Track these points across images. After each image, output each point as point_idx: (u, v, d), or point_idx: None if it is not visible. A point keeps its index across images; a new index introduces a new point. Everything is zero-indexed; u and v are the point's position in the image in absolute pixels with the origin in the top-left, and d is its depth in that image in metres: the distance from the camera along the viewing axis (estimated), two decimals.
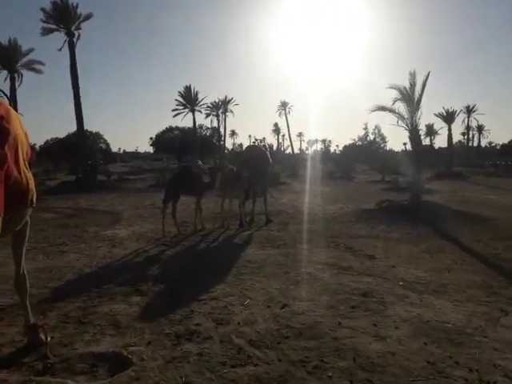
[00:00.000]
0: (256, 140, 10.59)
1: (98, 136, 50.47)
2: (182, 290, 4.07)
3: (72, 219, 9.25)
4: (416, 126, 9.41)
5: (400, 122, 9.64)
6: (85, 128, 45.28)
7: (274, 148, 47.01)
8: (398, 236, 7.24)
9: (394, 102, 9.48)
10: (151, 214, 9.64)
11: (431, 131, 48.79)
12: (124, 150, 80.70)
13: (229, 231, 7.56)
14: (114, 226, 8.39)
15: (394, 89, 9.43)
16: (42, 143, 46.33)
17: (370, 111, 10.01)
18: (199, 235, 7.18)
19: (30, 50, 21.96)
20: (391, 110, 9.70)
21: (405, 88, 9.48)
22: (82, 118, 19.47)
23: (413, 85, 9.32)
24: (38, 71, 21.80)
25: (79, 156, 19.78)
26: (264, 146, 9.03)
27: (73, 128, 21.61)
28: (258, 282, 4.33)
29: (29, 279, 2.71)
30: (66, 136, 37.16)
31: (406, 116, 9.57)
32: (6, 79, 21.44)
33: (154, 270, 4.92)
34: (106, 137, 49.28)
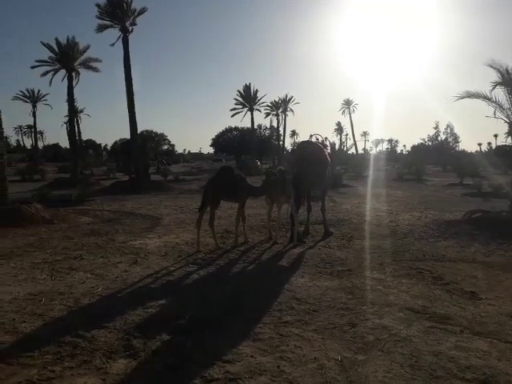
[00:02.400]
0: (312, 135, 8.46)
1: (162, 137, 51.41)
2: (190, 352, 2.69)
3: (106, 224, 8.33)
4: None
5: (498, 112, 7.53)
6: (150, 129, 46.26)
7: (336, 147, 44.57)
8: (502, 261, 5.38)
9: (494, 86, 7.35)
10: (193, 219, 8.45)
11: None
12: (189, 151, 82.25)
13: (276, 247, 6.11)
14: (147, 233, 7.33)
15: (493, 68, 7.31)
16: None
17: (457, 98, 7.94)
18: (239, 251, 5.82)
19: (87, 48, 21.79)
20: (486, 98, 7.61)
21: (506, 69, 7.35)
22: (135, 117, 18.80)
23: None
24: (95, 69, 21.73)
25: (132, 156, 19.30)
26: (322, 142, 7.36)
27: (140, 128, 21.48)
28: (308, 343, 2.83)
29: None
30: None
31: (506, 105, 7.46)
32: (63, 79, 21.61)
33: (165, 307, 3.61)
34: (170, 138, 50.09)
